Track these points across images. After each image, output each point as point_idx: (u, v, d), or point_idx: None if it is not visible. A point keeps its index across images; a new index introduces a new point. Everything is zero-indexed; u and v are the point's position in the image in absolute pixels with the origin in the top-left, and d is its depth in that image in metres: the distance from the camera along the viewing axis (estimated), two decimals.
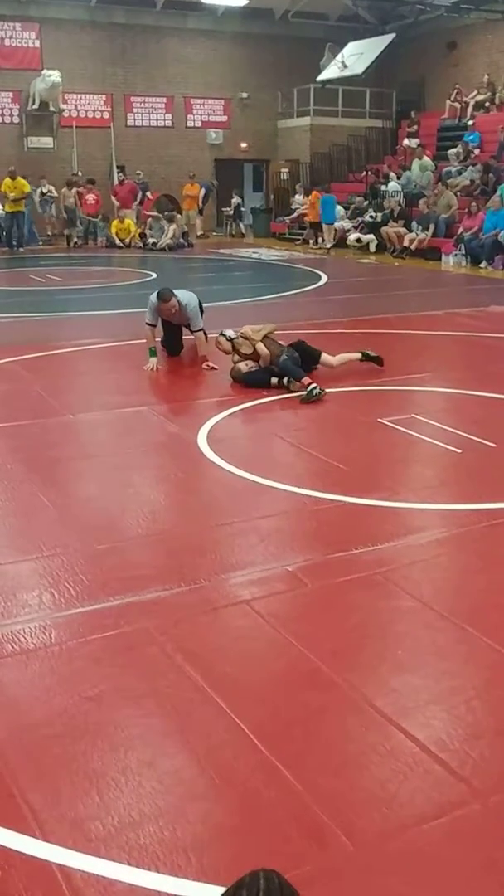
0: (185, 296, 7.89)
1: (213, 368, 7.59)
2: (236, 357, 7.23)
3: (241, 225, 23.52)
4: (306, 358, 7.16)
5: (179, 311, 7.76)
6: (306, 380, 6.72)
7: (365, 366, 7.51)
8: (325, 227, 20.12)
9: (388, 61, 21.51)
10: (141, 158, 22.90)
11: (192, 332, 7.95)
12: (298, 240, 21.35)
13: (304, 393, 6.60)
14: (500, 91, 20.96)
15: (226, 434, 5.91)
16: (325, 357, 7.30)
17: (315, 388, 6.62)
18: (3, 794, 2.45)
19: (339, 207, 20.91)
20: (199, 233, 22.22)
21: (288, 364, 6.90)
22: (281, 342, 7.21)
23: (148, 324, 7.83)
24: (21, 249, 19.12)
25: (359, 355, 7.58)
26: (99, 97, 22.86)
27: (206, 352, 7.80)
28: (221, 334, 7.45)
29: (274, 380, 6.92)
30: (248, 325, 7.41)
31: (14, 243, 19.27)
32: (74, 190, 20.61)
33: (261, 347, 7.10)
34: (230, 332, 7.38)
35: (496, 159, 18.74)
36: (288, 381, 6.86)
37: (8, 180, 19.01)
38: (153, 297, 7.76)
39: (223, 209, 23.55)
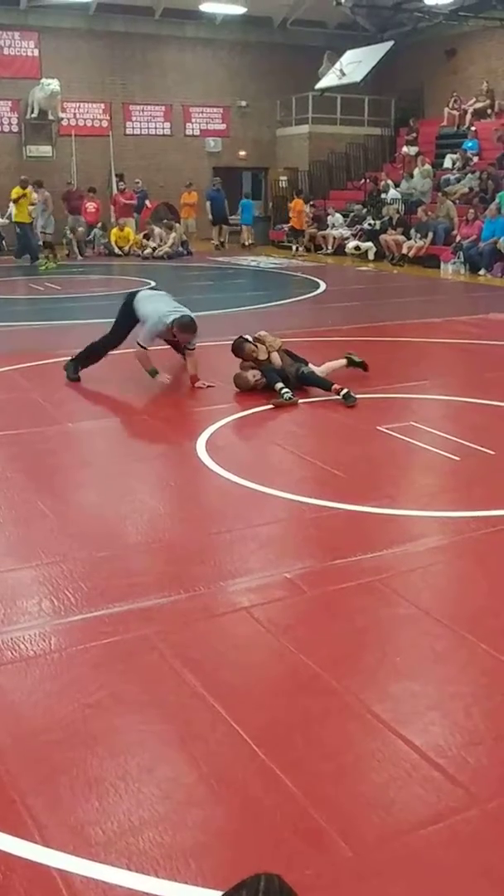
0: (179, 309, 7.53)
1: (209, 387, 7.27)
2: (246, 364, 7.20)
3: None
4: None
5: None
6: (278, 385, 6.79)
7: (361, 373, 7.53)
8: (244, 227, 22.44)
9: (386, 69, 21.59)
10: (139, 167, 22.96)
11: (187, 349, 7.39)
12: (300, 247, 21.41)
13: (277, 398, 6.69)
14: (499, 98, 21.06)
15: (225, 442, 5.93)
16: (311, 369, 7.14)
17: (286, 392, 6.68)
18: (3, 799, 2.46)
19: (337, 215, 21.03)
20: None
21: (272, 373, 6.94)
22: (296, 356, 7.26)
23: (142, 346, 7.18)
24: (36, 263, 17.87)
25: (343, 361, 7.56)
26: (98, 106, 22.96)
27: (197, 370, 7.39)
28: (244, 339, 7.27)
29: (279, 385, 6.83)
30: (264, 331, 7.42)
31: (28, 255, 18.01)
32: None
33: (275, 357, 7.11)
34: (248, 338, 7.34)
35: (495, 167, 18.80)
36: (282, 391, 6.80)
37: (18, 189, 17.84)
38: (157, 320, 7.08)
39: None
